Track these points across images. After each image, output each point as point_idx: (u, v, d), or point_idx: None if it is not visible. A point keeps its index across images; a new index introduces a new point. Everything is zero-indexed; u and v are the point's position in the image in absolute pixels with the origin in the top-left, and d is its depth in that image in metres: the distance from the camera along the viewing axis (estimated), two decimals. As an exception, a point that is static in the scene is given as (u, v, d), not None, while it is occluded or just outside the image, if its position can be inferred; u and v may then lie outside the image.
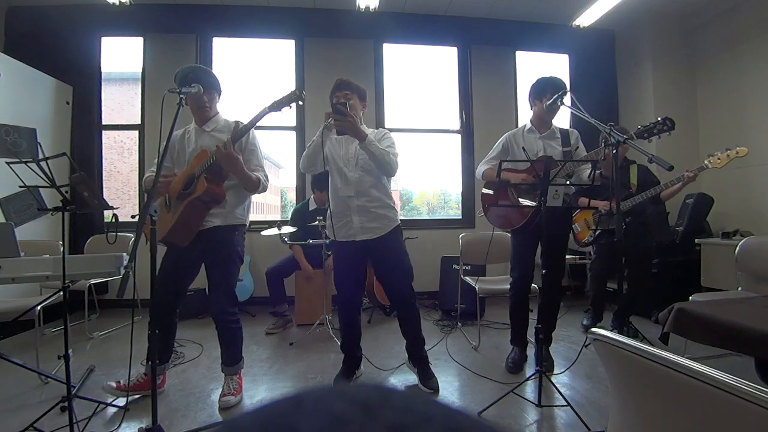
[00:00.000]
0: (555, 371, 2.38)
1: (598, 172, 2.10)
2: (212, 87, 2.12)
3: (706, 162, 2.60)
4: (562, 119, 4.58)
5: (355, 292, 2.29)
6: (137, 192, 4.56)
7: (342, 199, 2.15)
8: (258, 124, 1.98)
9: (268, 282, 3.40)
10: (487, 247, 2.70)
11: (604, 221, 3.05)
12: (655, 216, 3.59)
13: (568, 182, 2.34)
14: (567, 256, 4.03)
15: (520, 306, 2.52)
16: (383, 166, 2.10)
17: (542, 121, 2.45)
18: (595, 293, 3.24)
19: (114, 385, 2.02)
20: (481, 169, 2.57)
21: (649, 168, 3.15)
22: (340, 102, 1.99)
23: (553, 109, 2.36)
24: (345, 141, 2.17)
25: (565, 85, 2.36)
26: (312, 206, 3.55)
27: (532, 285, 2.55)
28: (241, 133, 1.95)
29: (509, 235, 2.61)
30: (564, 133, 2.47)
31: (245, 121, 2.05)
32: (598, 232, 3.08)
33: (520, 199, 2.37)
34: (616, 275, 3.39)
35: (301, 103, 1.94)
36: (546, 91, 2.36)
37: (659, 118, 2.04)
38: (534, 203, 2.30)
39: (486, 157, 2.61)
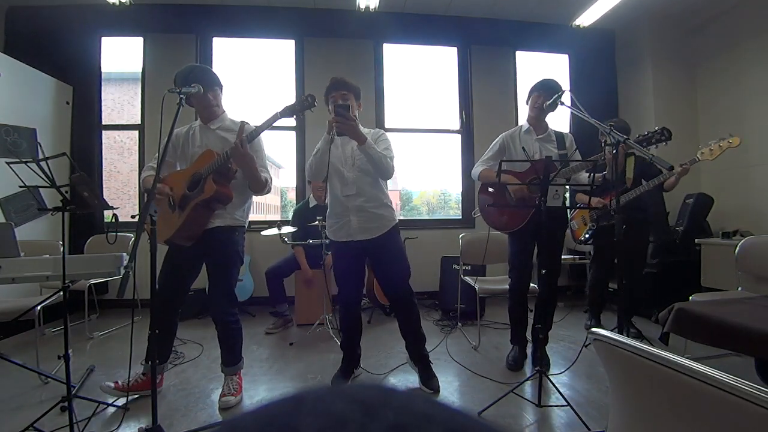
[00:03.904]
0: (555, 371, 2.38)
1: (600, 175, 2.12)
2: (213, 84, 2.11)
3: (698, 155, 2.56)
4: (563, 120, 4.60)
5: (356, 290, 2.30)
6: (137, 192, 4.56)
7: (341, 199, 2.14)
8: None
9: (268, 282, 3.40)
10: (486, 246, 2.71)
11: (601, 217, 3.06)
12: (654, 216, 3.59)
13: (567, 184, 2.34)
14: (567, 257, 4.05)
15: (518, 306, 2.53)
16: (380, 169, 2.09)
17: (537, 120, 2.45)
18: (592, 298, 3.24)
19: (112, 385, 2.02)
20: (477, 169, 2.55)
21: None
22: (340, 104, 1.97)
23: (539, 108, 2.38)
24: (342, 142, 2.16)
25: (557, 86, 2.36)
26: (312, 203, 3.55)
27: (531, 285, 2.55)
28: (254, 134, 1.94)
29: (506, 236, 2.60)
30: (559, 135, 2.48)
31: (251, 122, 2.04)
32: (594, 228, 3.08)
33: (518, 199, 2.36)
34: (616, 275, 3.41)
35: (312, 111, 1.92)
36: (531, 92, 2.41)
37: (657, 128, 2.05)
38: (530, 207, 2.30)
39: (482, 157, 2.59)
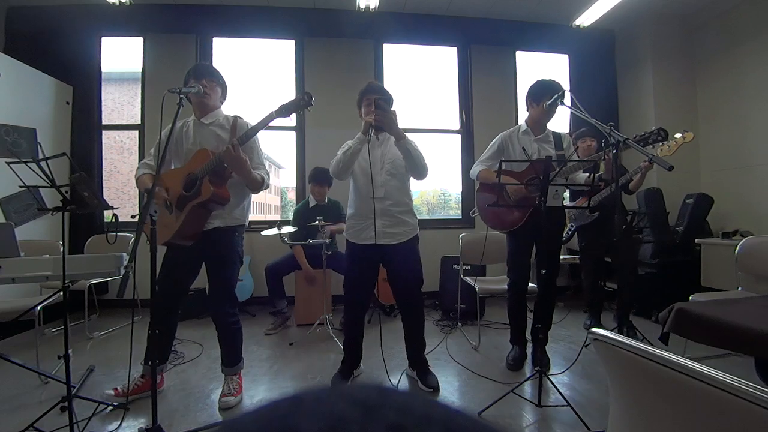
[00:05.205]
0: (555, 371, 2.38)
1: (597, 175, 2.13)
2: (215, 79, 2.10)
3: (657, 151, 2.58)
4: (562, 120, 4.60)
5: (366, 295, 2.30)
6: (137, 192, 4.56)
7: (368, 200, 2.13)
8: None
9: (267, 278, 3.39)
10: (484, 246, 2.72)
11: (579, 218, 3.11)
12: (653, 216, 3.60)
13: (566, 184, 2.34)
14: (567, 257, 4.05)
15: (518, 306, 2.53)
16: (416, 166, 2.11)
17: (538, 123, 2.46)
18: (590, 299, 3.26)
19: (113, 392, 2.01)
20: (476, 169, 2.56)
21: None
22: (379, 97, 2.04)
23: (551, 111, 2.37)
24: (374, 144, 2.17)
25: (563, 89, 2.36)
26: (312, 203, 3.55)
27: (530, 284, 2.55)
28: (247, 136, 1.92)
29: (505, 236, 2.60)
30: (556, 136, 2.48)
31: (245, 117, 2.03)
32: (573, 228, 3.15)
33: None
34: (615, 275, 3.42)
35: (309, 110, 1.90)
36: (545, 93, 2.37)
37: (653, 128, 2.06)
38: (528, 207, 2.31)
39: (481, 157, 2.60)
